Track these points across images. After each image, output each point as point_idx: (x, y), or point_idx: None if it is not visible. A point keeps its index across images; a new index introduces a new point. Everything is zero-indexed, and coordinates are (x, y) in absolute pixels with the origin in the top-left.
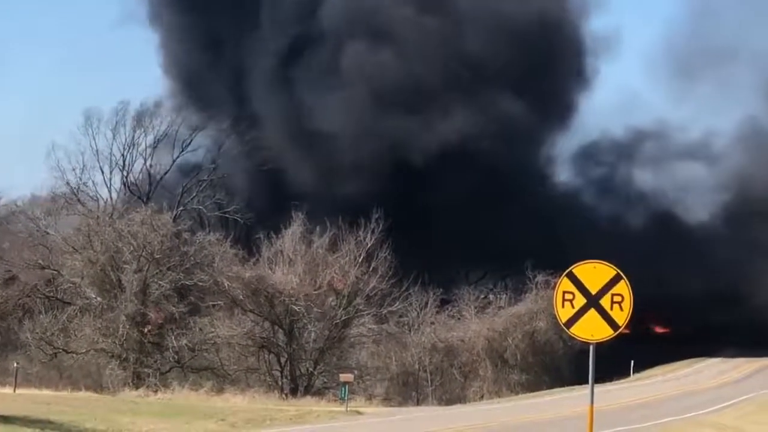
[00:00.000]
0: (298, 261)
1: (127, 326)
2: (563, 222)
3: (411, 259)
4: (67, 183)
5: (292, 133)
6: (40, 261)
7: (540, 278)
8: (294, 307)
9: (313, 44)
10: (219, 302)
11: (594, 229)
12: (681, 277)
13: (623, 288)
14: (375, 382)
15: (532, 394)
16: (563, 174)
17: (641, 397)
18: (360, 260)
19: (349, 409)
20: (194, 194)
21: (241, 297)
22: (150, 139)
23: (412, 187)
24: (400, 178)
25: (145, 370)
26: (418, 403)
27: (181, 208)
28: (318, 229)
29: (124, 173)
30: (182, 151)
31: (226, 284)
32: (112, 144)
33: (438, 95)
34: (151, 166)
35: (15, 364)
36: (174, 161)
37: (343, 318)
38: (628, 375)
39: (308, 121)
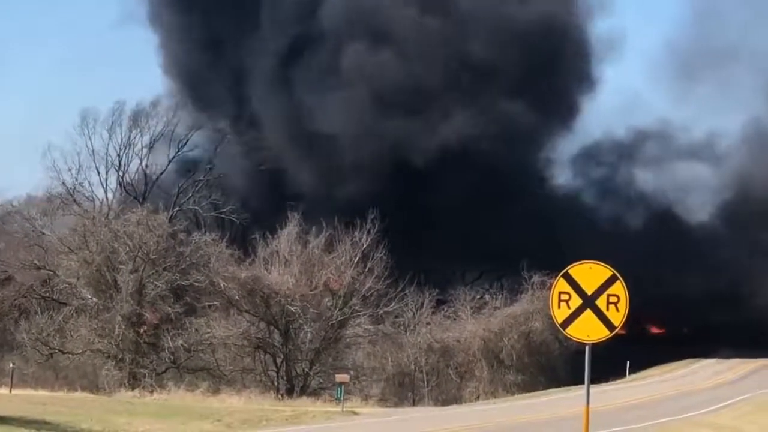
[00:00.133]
0: (293, 261)
1: (123, 327)
2: (563, 223)
3: (407, 260)
4: (63, 183)
5: (292, 134)
6: (35, 261)
7: (536, 279)
8: (290, 307)
9: (313, 44)
10: (215, 303)
11: (594, 229)
12: (680, 277)
13: (619, 289)
14: (371, 382)
15: (528, 394)
16: (564, 175)
17: (637, 397)
18: (356, 261)
19: (345, 409)
20: (190, 195)
21: (236, 297)
22: (146, 139)
23: (412, 187)
24: (400, 179)
25: (141, 370)
26: (414, 403)
27: (177, 208)
28: (314, 229)
29: (120, 173)
30: (178, 151)
31: (221, 285)
32: (108, 144)
33: (439, 96)
34: (147, 166)
35: (11, 365)
36: (170, 161)
37: (339, 318)
38: (624, 375)
39: (308, 122)
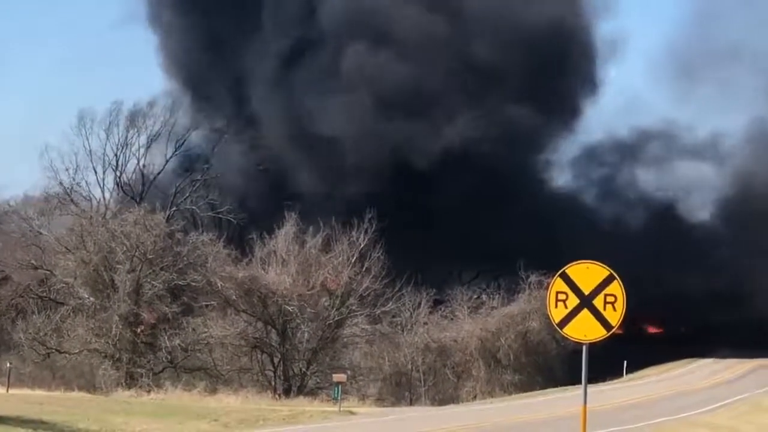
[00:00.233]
0: (291, 261)
1: (120, 326)
2: (563, 223)
3: (404, 260)
4: (60, 183)
5: (292, 134)
6: (33, 261)
7: (533, 278)
8: (287, 307)
9: (314, 46)
10: (212, 302)
11: (594, 229)
12: (681, 277)
13: (616, 288)
14: (368, 382)
15: (525, 394)
16: (564, 175)
17: (634, 397)
18: (353, 260)
19: (342, 409)
20: (187, 194)
21: (234, 297)
22: (143, 139)
23: (411, 188)
24: (400, 180)
25: (138, 370)
26: (411, 403)
27: (174, 208)
28: (311, 229)
29: (117, 173)
30: (176, 150)
31: (219, 284)
32: (106, 144)
33: (441, 98)
34: (144, 166)
35: (8, 364)
36: (167, 161)
37: (336, 318)
38: (621, 375)
39: (308, 123)
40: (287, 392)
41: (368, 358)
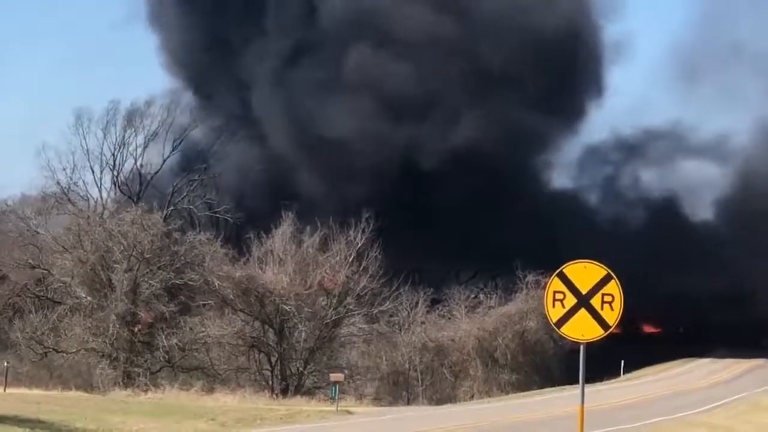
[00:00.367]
0: (288, 261)
1: (118, 326)
2: (563, 223)
3: (402, 259)
4: (58, 182)
5: (293, 135)
6: (30, 260)
7: (530, 278)
8: (284, 306)
9: (316, 46)
10: (209, 302)
11: (594, 229)
12: (682, 277)
13: (614, 288)
14: (365, 381)
15: (522, 393)
16: (567, 175)
17: (632, 397)
18: (350, 260)
19: (339, 408)
20: (185, 194)
21: (231, 296)
22: (141, 138)
23: (412, 188)
24: (400, 180)
25: (136, 369)
26: (408, 402)
27: (172, 207)
28: (308, 228)
29: (115, 173)
30: (173, 150)
31: (216, 284)
32: (103, 143)
33: (443, 99)
34: (141, 165)
35: (5, 364)
36: (165, 160)
37: (334, 317)
38: (619, 375)
39: (310, 124)
40: (284, 392)
41: (365, 358)
